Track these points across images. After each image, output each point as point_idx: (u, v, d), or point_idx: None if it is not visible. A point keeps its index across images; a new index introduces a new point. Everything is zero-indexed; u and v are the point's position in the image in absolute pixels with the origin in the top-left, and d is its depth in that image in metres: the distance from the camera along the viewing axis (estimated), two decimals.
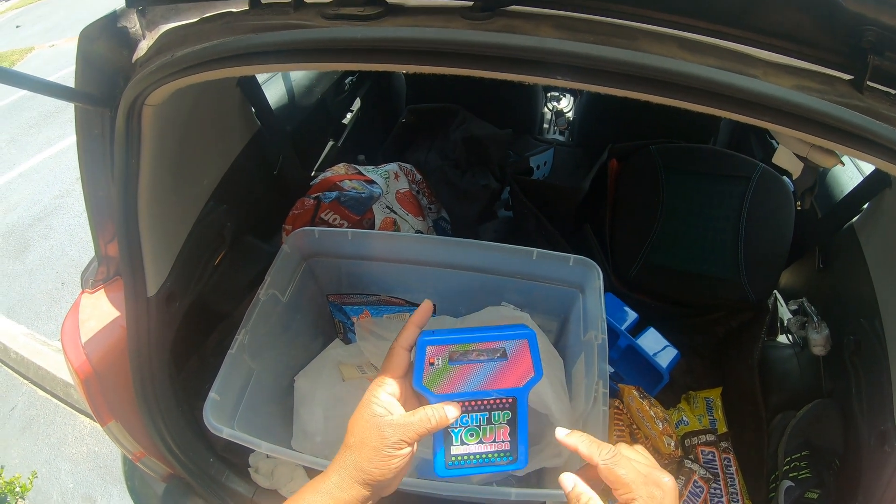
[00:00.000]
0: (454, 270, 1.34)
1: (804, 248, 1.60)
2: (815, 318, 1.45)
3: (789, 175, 1.68)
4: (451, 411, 0.72)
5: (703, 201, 1.64)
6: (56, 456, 2.68)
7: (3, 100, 6.19)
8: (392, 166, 1.78)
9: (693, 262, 1.57)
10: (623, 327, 1.47)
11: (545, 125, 2.64)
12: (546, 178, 2.06)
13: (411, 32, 0.68)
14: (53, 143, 5.18)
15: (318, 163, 1.97)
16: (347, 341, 1.45)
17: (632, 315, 1.50)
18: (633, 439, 1.37)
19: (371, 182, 1.68)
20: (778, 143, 1.87)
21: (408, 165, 1.84)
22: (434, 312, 1.40)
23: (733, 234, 1.57)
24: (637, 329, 1.50)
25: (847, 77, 0.68)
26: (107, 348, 1.18)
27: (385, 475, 0.70)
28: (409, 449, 0.70)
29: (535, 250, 1.26)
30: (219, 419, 1.08)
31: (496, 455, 0.76)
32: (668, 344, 1.50)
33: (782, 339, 1.72)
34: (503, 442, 0.76)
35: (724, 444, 1.45)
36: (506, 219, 1.89)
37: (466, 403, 0.75)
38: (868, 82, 0.66)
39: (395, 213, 1.67)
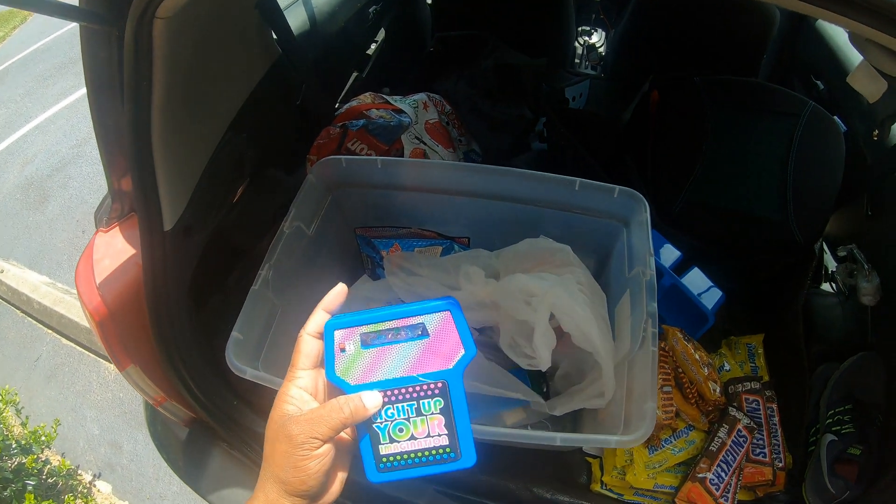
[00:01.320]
0: (489, 201, 1.25)
1: (854, 192, 1.51)
2: (866, 266, 1.38)
3: (844, 115, 1.59)
4: (368, 399, 0.62)
5: (749, 138, 1.55)
6: (81, 403, 2.70)
7: (16, 55, 6.15)
8: (421, 96, 1.68)
9: (739, 201, 1.49)
10: (667, 266, 1.39)
11: (577, 60, 2.52)
12: (581, 109, 1.96)
13: None
14: (69, 93, 5.14)
15: (343, 95, 1.86)
16: (376, 277, 1.38)
17: (675, 253, 1.42)
18: (677, 383, 1.31)
19: (400, 111, 1.59)
20: (823, 84, 1.80)
21: (436, 96, 1.74)
22: (468, 245, 1.35)
23: (781, 174, 1.48)
24: (680, 268, 1.42)
25: None
26: (123, 288, 1.11)
27: (306, 482, 0.59)
28: (325, 447, 0.60)
29: (578, 180, 1.17)
30: (242, 359, 1.02)
31: (434, 452, 0.64)
32: (712, 285, 1.42)
33: (826, 287, 1.65)
34: (439, 436, 0.64)
35: (768, 393, 1.39)
36: (540, 151, 1.79)
37: (389, 392, 0.64)
38: None
39: (425, 143, 1.58)
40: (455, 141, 1.69)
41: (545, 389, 1.25)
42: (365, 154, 1.48)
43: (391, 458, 0.64)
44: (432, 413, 0.64)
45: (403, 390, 0.64)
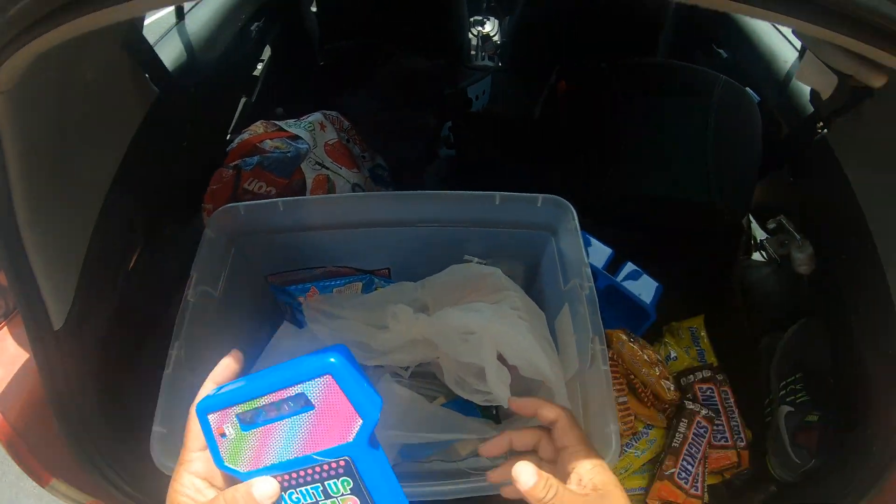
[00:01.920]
0: (407, 228, 1.16)
1: (774, 161, 1.49)
2: (798, 237, 1.37)
3: (754, 84, 1.56)
4: (261, 487, 0.53)
5: (664, 121, 1.51)
6: (17, 494, 2.41)
7: None
8: (316, 116, 1.56)
9: (662, 187, 1.44)
10: (600, 266, 1.33)
11: (472, 52, 2.43)
12: (486, 108, 1.86)
13: None
14: None
15: (233, 124, 1.71)
16: (298, 323, 1.26)
17: (606, 251, 1.36)
18: (630, 389, 1.26)
19: (295, 137, 1.46)
20: (727, 53, 1.78)
21: (333, 113, 1.62)
22: (389, 276, 1.25)
23: (701, 154, 1.45)
24: (613, 265, 1.36)
25: None
26: (24, 400, 0.97)
27: None
28: None
29: (498, 194, 1.09)
30: (169, 454, 0.89)
31: None
32: (647, 277, 1.37)
33: (757, 257, 1.64)
34: None
35: (720, 377, 1.36)
36: (449, 158, 1.70)
37: (287, 476, 0.54)
38: None
39: (327, 168, 1.47)
40: (358, 159, 1.57)
41: (495, 412, 1.18)
42: (264, 192, 1.36)
43: None
44: (343, 495, 0.54)
45: (303, 472, 0.54)
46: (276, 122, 1.51)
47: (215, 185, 1.33)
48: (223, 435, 0.54)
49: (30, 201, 0.83)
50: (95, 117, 1.06)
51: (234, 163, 1.34)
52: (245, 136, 1.46)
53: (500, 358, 0.99)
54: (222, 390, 0.56)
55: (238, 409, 0.54)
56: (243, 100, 1.76)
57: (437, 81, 1.65)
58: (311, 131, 1.49)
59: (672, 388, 1.27)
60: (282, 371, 0.54)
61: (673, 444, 1.23)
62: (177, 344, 0.99)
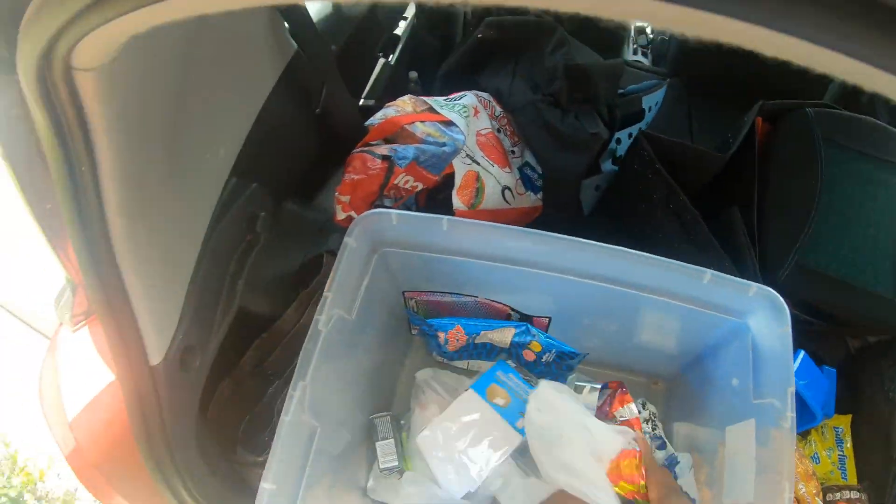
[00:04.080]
0: (580, 280, 0.98)
1: None
2: None
3: None
4: None
5: (866, 191, 1.29)
6: None
7: None
8: (470, 99, 1.35)
9: (850, 270, 1.23)
10: None
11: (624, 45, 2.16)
12: (652, 125, 1.63)
13: None
14: None
15: (368, 87, 1.50)
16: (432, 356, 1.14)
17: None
18: None
19: (448, 123, 1.26)
20: None
21: (485, 95, 1.41)
22: (546, 328, 1.09)
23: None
24: None
25: None
26: (103, 427, 0.84)
27: None
28: None
29: (709, 272, 0.92)
30: None
31: None
32: (819, 374, 1.19)
33: None
34: None
35: (864, 499, 1.20)
36: (611, 174, 1.49)
37: None
38: None
39: (478, 163, 1.28)
40: (508, 154, 1.38)
41: None
42: (410, 188, 1.17)
43: None
44: None
45: None
46: (426, 100, 1.31)
47: (357, 174, 1.14)
48: None
49: (128, 206, 0.64)
50: (224, 83, 0.86)
51: (382, 152, 1.15)
52: (391, 112, 1.27)
53: None
54: None
55: None
56: (381, 61, 1.55)
57: (615, 84, 1.43)
58: (466, 117, 1.29)
59: None
60: None
61: None
62: (300, 384, 0.85)
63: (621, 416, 1.00)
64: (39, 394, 0.90)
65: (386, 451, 1.07)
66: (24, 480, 1.98)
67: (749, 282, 0.92)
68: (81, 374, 0.87)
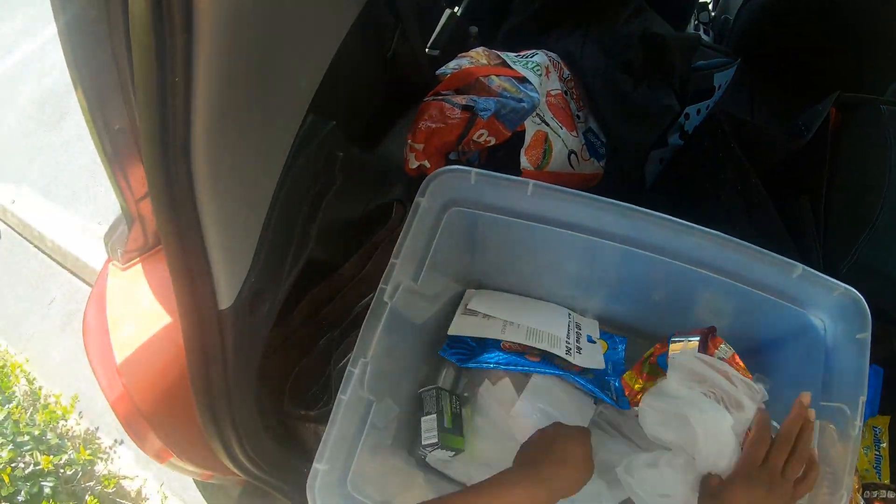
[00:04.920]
0: (656, 256, 0.95)
1: None
2: None
3: None
4: None
5: None
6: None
7: None
8: (541, 57, 1.30)
9: None
10: None
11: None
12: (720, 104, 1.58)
13: None
14: None
15: (433, 37, 1.43)
16: None
17: None
18: None
19: (523, 80, 1.21)
20: None
21: (555, 56, 1.36)
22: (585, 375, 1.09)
23: None
24: None
25: None
26: (155, 375, 0.81)
27: None
28: None
29: (801, 266, 0.90)
30: (327, 492, 0.81)
31: None
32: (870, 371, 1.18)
33: None
34: None
35: None
36: (676, 149, 1.44)
37: None
38: None
39: (548, 124, 1.24)
40: (574, 118, 1.33)
41: None
42: (483, 142, 1.12)
43: None
44: None
45: None
46: (500, 55, 1.26)
47: (434, 122, 1.09)
48: None
49: (215, 127, 0.57)
50: (309, 10, 0.79)
51: (462, 101, 1.10)
52: (465, 62, 1.22)
53: None
54: None
55: None
56: (447, 12, 1.48)
57: (690, 57, 1.37)
58: (539, 75, 1.24)
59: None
60: None
61: None
62: (361, 362, 0.84)
63: (721, 356, 0.96)
64: (84, 334, 0.87)
65: (428, 427, 1.04)
66: (46, 418, 1.97)
67: (837, 282, 0.90)
68: (132, 315, 0.84)
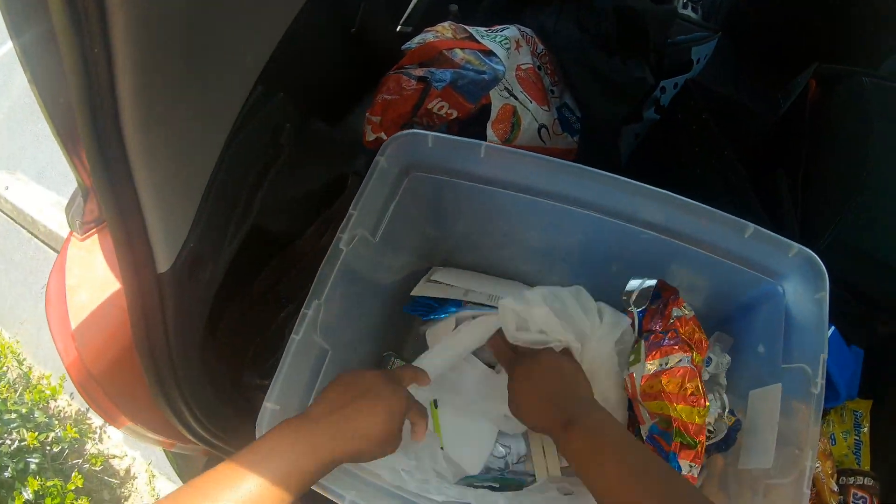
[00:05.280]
0: (612, 220, 0.94)
1: None
2: None
3: None
4: None
5: None
6: None
7: None
8: (512, 31, 1.29)
9: (891, 251, 1.18)
10: None
11: None
12: (698, 77, 1.56)
13: None
14: None
15: (406, 14, 1.43)
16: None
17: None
18: None
19: (489, 54, 1.21)
20: None
21: (528, 31, 1.34)
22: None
23: None
24: None
25: None
26: (106, 337, 0.82)
27: None
28: None
29: (752, 226, 0.88)
30: None
31: None
32: (847, 352, 1.15)
33: None
34: None
35: (877, 486, 1.16)
36: (652, 123, 1.43)
37: None
38: None
39: (516, 97, 1.22)
40: (548, 93, 1.32)
41: None
42: (444, 115, 1.12)
43: None
44: None
45: None
46: (467, 28, 1.25)
47: (390, 94, 1.09)
48: None
49: (143, 100, 0.57)
50: None
51: (419, 72, 1.10)
52: (429, 36, 1.21)
53: None
54: None
55: None
56: None
57: (666, 30, 1.36)
58: (507, 49, 1.23)
59: (836, 489, 1.10)
60: None
61: None
62: (314, 303, 0.83)
63: (677, 315, 0.94)
64: (46, 304, 0.88)
65: None
66: (35, 398, 2.00)
67: (791, 241, 0.88)
68: (88, 283, 0.85)
